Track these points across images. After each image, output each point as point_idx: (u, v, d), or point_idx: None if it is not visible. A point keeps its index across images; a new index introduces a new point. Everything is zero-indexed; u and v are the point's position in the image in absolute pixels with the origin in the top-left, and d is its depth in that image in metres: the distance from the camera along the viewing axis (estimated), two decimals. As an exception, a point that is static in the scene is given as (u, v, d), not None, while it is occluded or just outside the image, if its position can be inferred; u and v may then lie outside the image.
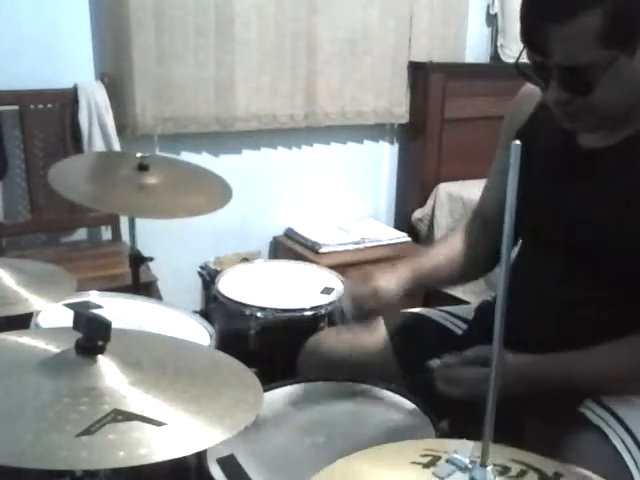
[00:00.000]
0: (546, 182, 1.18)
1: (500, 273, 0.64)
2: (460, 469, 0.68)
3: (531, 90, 1.24)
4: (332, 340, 1.47)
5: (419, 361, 1.38)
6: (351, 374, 1.32)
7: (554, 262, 1.18)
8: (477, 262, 1.40)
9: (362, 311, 1.29)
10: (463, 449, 0.69)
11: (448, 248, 1.41)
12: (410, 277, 1.33)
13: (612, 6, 0.95)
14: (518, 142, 0.62)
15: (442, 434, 1.14)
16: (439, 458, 0.71)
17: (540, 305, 1.19)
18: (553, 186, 1.18)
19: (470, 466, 0.68)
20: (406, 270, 1.34)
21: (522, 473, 0.70)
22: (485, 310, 1.40)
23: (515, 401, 1.01)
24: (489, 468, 0.67)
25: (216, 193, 1.74)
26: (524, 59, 1.07)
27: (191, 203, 1.68)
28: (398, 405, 1.25)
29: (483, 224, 1.40)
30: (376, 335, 1.43)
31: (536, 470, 0.71)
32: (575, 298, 1.15)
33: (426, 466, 0.70)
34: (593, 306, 1.13)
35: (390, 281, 1.30)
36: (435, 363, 1.13)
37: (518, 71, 1.09)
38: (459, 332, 1.40)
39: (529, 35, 1.03)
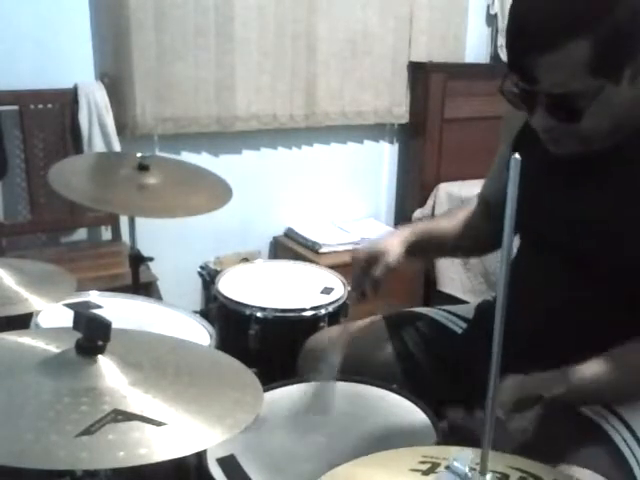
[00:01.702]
0: (545, 182, 1.18)
1: (500, 273, 0.64)
2: (460, 477, 0.68)
3: None
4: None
5: (419, 362, 1.38)
6: (351, 374, 1.32)
7: (553, 262, 1.18)
8: (478, 240, 1.41)
9: (368, 277, 1.28)
10: (462, 457, 0.69)
11: (453, 218, 1.43)
12: (413, 237, 1.33)
13: (600, 35, 0.95)
14: (518, 156, 0.62)
15: (442, 434, 1.14)
16: (438, 465, 0.71)
17: (540, 306, 1.19)
18: (552, 186, 1.18)
19: (470, 474, 0.67)
20: (409, 231, 1.34)
21: None
22: (485, 310, 1.40)
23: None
24: (488, 476, 0.67)
25: (216, 193, 1.74)
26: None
27: (191, 203, 1.68)
28: (398, 405, 1.25)
29: (485, 208, 1.42)
30: (376, 334, 1.43)
31: (535, 477, 0.71)
32: (575, 299, 1.15)
33: (425, 473, 0.70)
34: (593, 307, 1.13)
35: (393, 243, 1.30)
36: (457, 418, 1.11)
37: (503, 96, 1.08)
38: (459, 331, 1.40)
39: (516, 63, 1.02)
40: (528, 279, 1.19)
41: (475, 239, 1.42)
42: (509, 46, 1.03)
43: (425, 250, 1.39)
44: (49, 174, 1.63)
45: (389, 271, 1.27)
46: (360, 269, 1.28)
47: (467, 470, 0.68)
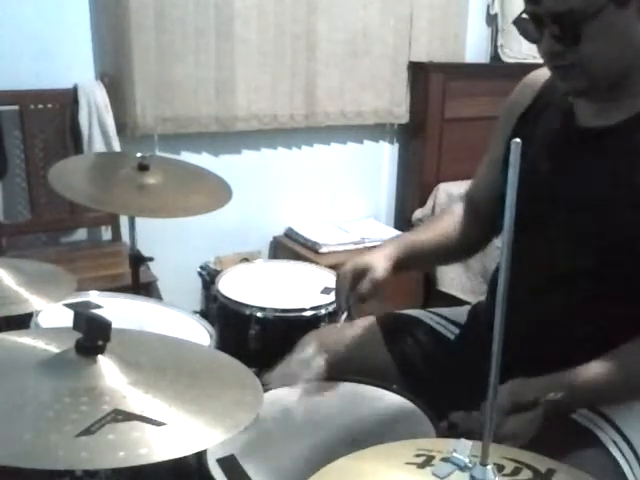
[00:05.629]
0: (546, 165, 1.17)
1: (500, 273, 0.64)
2: (460, 468, 0.68)
3: (531, 79, 1.25)
4: (324, 340, 1.46)
5: (415, 365, 1.38)
6: (345, 374, 1.32)
7: (553, 251, 1.17)
8: (468, 243, 1.41)
9: (354, 294, 1.25)
10: (460, 448, 0.69)
11: (436, 227, 1.41)
12: (396, 253, 1.30)
13: None
14: (518, 140, 0.62)
15: (442, 434, 1.14)
16: (433, 458, 0.71)
17: (535, 308, 1.18)
18: (553, 169, 1.17)
19: (470, 465, 0.68)
20: (392, 246, 1.32)
21: (516, 470, 0.70)
22: (477, 314, 1.39)
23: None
24: (489, 467, 0.67)
25: (216, 193, 1.74)
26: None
27: (191, 203, 1.68)
28: (398, 405, 1.25)
29: (473, 207, 1.41)
30: (371, 337, 1.42)
31: (529, 467, 0.71)
32: (576, 295, 1.14)
33: (421, 466, 0.70)
34: (591, 305, 1.12)
35: (378, 258, 1.27)
36: (458, 418, 1.08)
37: (517, 27, 1.10)
38: (452, 337, 1.40)
39: None
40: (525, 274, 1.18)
41: (465, 243, 1.40)
42: None
43: (411, 263, 1.36)
44: (49, 174, 1.63)
45: (376, 287, 1.24)
46: (347, 285, 1.25)
47: (467, 461, 0.68)
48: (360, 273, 1.25)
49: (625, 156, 1.09)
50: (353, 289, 1.24)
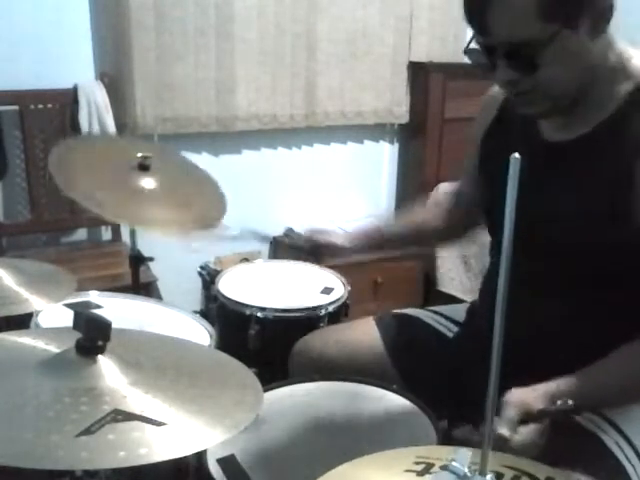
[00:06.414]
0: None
1: (501, 273, 0.64)
2: (459, 478, 0.67)
3: (492, 95, 1.25)
4: (320, 342, 1.46)
5: (414, 365, 1.38)
6: (349, 374, 1.32)
7: (523, 263, 1.17)
8: (450, 226, 1.47)
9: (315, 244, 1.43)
10: (458, 457, 0.69)
11: (420, 210, 1.51)
12: (372, 228, 1.44)
13: None
14: (517, 155, 0.62)
15: (442, 434, 1.14)
16: (432, 465, 0.71)
17: (522, 308, 1.18)
18: (521, 184, 1.17)
19: (469, 475, 0.67)
20: (368, 225, 1.46)
21: (515, 478, 0.70)
22: (475, 312, 1.39)
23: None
24: (489, 477, 0.67)
25: (212, 205, 1.73)
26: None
27: (187, 218, 1.66)
28: (398, 405, 1.25)
29: (458, 201, 1.46)
30: (368, 336, 1.42)
31: (528, 475, 0.71)
32: (545, 299, 1.13)
33: (420, 474, 0.70)
34: (567, 307, 1.12)
35: (343, 235, 1.42)
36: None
37: (469, 57, 1.08)
38: (450, 335, 1.40)
39: (470, 15, 1.02)
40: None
41: (447, 226, 1.46)
42: (464, 1, 1.03)
43: (386, 237, 1.47)
44: (49, 159, 1.60)
45: (331, 244, 1.41)
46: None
47: (467, 471, 0.67)
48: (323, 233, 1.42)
49: (589, 168, 1.08)
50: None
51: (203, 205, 1.75)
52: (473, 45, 1.06)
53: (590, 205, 1.06)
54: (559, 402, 1.00)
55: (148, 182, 1.60)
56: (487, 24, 0.99)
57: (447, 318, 1.43)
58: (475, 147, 1.30)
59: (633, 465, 1.05)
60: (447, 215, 1.46)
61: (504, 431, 0.95)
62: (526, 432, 0.99)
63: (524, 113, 1.11)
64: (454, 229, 1.48)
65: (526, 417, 0.99)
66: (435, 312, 1.45)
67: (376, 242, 1.46)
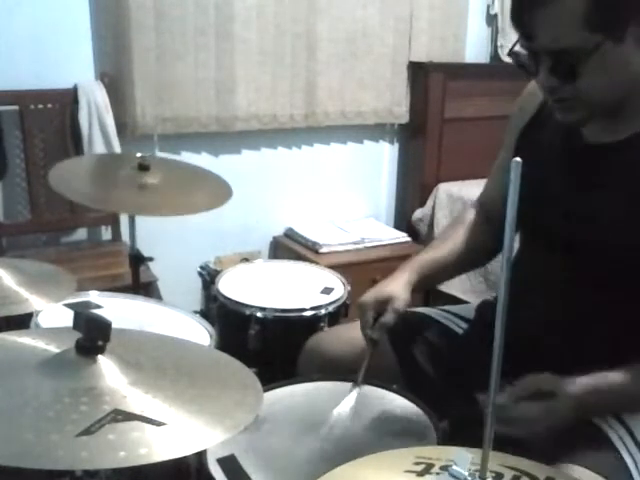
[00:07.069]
0: (548, 179, 1.17)
1: (501, 273, 0.64)
2: None
3: (534, 88, 1.25)
4: (332, 340, 1.47)
5: (422, 364, 1.38)
6: (351, 374, 1.32)
7: (554, 261, 1.18)
8: (484, 250, 1.41)
9: (377, 324, 1.28)
10: (459, 458, 0.69)
11: (449, 241, 1.42)
12: (415, 277, 1.33)
13: None
14: (518, 159, 0.62)
15: (443, 434, 1.14)
16: (432, 466, 0.71)
17: (541, 305, 1.19)
18: (555, 183, 1.17)
19: (469, 478, 0.67)
20: (410, 270, 1.34)
21: (515, 478, 0.70)
22: (486, 310, 1.39)
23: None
24: None
25: (216, 191, 1.74)
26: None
27: (191, 201, 1.69)
28: (398, 405, 1.25)
29: (485, 213, 1.42)
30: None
31: (528, 475, 0.71)
32: (576, 299, 1.14)
33: (420, 474, 0.70)
34: (594, 307, 1.13)
35: (399, 287, 1.30)
36: (483, 397, 1.09)
37: (513, 59, 1.09)
38: (460, 331, 1.40)
39: (516, 19, 1.04)
40: (528, 278, 1.18)
41: (481, 250, 1.41)
42: (512, 3, 1.04)
43: (430, 282, 1.40)
44: (49, 175, 1.63)
45: (398, 316, 1.27)
46: (370, 319, 1.28)
47: (467, 475, 0.67)
48: (382, 303, 1.28)
49: (635, 170, 1.09)
50: (376, 319, 1.28)
51: (207, 190, 1.77)
52: (517, 48, 1.07)
53: (625, 209, 1.07)
54: (571, 386, 1.03)
55: (149, 178, 1.63)
56: (532, 28, 1.00)
57: (456, 315, 1.43)
58: (510, 140, 1.29)
59: (631, 453, 1.05)
60: (479, 231, 1.42)
61: (502, 399, 0.98)
62: (530, 406, 1.02)
63: (562, 119, 1.11)
64: (486, 252, 1.44)
65: (535, 393, 1.02)
66: (444, 310, 1.46)
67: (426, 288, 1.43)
